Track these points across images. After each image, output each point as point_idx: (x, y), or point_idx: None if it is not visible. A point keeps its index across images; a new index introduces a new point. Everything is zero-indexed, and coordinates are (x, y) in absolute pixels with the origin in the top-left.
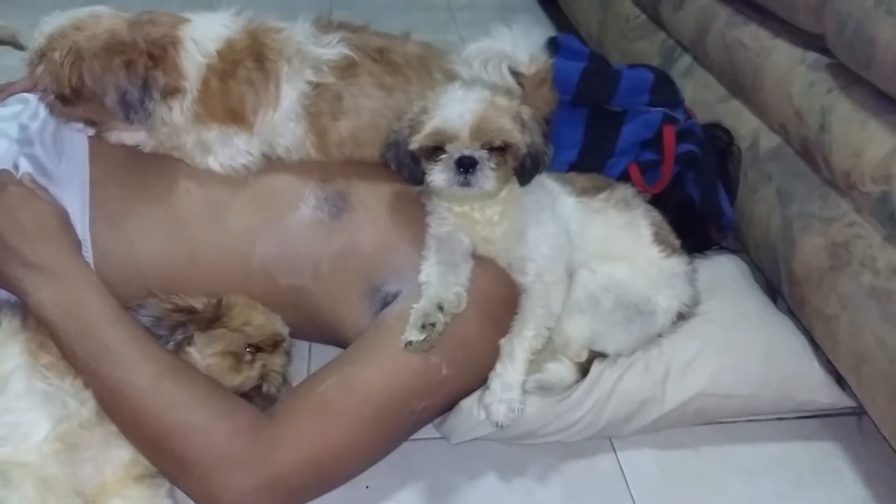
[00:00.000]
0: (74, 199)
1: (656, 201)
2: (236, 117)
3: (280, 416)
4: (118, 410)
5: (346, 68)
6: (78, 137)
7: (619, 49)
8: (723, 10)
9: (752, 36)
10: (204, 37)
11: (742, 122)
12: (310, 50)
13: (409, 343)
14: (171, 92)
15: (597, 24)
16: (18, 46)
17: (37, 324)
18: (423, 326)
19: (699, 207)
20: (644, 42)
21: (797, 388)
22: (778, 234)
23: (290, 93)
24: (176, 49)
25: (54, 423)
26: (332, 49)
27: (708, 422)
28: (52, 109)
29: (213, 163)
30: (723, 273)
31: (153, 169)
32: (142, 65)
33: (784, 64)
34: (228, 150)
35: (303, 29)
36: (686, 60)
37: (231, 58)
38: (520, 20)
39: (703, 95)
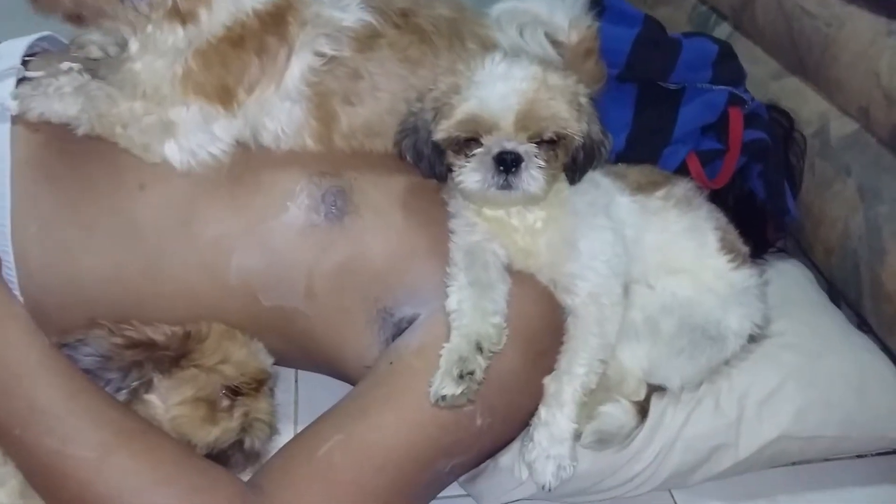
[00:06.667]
0: None
1: (712, 196)
2: (226, 96)
3: (271, 491)
4: (53, 492)
5: (366, 39)
6: None
7: None
8: None
9: (818, 2)
10: None
11: (803, 104)
12: (328, 14)
13: (443, 398)
14: (182, 12)
15: None
16: None
17: None
18: (461, 376)
19: (762, 204)
20: (668, 7)
21: (891, 426)
22: (861, 238)
23: (296, 66)
24: None
25: None
26: (352, 14)
27: (783, 464)
28: None
29: (170, 151)
30: (790, 284)
31: (95, 157)
32: None
33: (865, 36)
34: (196, 138)
35: None
36: (725, 30)
37: (260, 23)
38: None
39: (750, 71)
